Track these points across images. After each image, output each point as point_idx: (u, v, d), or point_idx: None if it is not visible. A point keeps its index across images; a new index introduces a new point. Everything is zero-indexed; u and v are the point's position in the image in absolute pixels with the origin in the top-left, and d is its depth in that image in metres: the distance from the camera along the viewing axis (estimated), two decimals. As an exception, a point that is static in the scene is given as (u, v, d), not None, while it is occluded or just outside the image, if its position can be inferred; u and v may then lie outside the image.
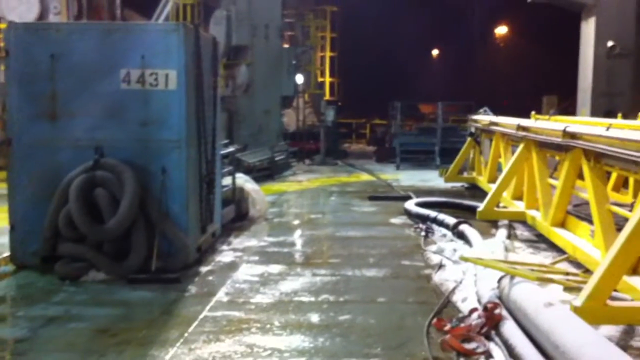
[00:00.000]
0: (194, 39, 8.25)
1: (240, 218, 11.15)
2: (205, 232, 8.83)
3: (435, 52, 49.43)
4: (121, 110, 8.02)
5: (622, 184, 10.44)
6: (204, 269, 8.16)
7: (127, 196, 7.58)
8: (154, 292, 7.16)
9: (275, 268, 8.22)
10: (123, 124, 8.01)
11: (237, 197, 11.13)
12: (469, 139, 15.81)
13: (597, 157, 7.44)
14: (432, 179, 17.44)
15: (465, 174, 16.03)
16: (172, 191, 7.98)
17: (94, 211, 7.63)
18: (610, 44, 16.76)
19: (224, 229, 10.08)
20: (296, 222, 11.64)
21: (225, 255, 8.88)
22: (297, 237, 10.35)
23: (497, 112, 15.12)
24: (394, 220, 11.56)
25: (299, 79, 23.74)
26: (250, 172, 15.35)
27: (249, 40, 21.17)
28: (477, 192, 14.28)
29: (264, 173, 17.11)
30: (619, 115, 13.09)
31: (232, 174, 11.08)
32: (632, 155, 6.21)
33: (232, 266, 8.34)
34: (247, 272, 8.05)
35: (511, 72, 40.46)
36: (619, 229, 6.47)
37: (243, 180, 11.75)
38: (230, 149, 11.82)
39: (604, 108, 16.47)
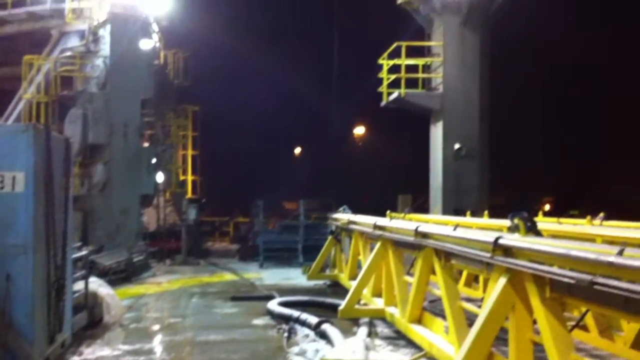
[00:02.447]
0: (44, 139, 7.95)
1: (93, 325, 10.53)
2: (54, 342, 8.23)
3: (298, 150, 50.77)
4: (-38, 213, 7.48)
5: (473, 278, 10.94)
6: (50, 384, 7.55)
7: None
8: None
9: (129, 379, 7.76)
10: (-37, 228, 7.46)
11: (89, 303, 10.54)
12: (329, 236, 16.09)
13: (446, 256, 7.77)
14: (295, 276, 17.46)
15: (327, 272, 16.19)
16: (17, 299, 7.43)
17: None
18: (457, 146, 17.93)
19: (75, 338, 9.44)
20: (154, 327, 11.14)
21: (74, 368, 8.29)
22: (155, 344, 9.88)
23: (357, 210, 15.56)
24: (256, 322, 11.36)
25: (160, 177, 23.43)
26: (106, 275, 14.69)
27: (106, 139, 20.79)
28: (339, 289, 14.41)
29: (121, 275, 16.40)
30: (468, 213, 13.90)
31: (85, 278, 10.53)
32: (476, 255, 6.54)
33: (82, 379, 7.78)
34: (99, 385, 7.53)
35: (370, 169, 42.16)
36: (471, 324, 6.71)
37: (97, 284, 11.20)
38: (84, 251, 11.28)
39: (454, 206, 17.41)
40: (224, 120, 36.24)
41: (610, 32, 35.07)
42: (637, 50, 33.75)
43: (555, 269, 5.17)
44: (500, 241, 6.06)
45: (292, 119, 40.67)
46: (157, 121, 24.66)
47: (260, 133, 40.99)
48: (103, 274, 14.37)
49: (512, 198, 30.68)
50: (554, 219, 10.62)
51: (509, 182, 33.79)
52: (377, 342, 9.57)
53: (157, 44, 24.00)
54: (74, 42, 22.01)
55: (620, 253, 4.55)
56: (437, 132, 18.57)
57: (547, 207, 35.67)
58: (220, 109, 34.51)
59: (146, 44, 21.98)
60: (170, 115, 26.50)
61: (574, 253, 4.96)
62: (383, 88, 18.76)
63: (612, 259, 4.54)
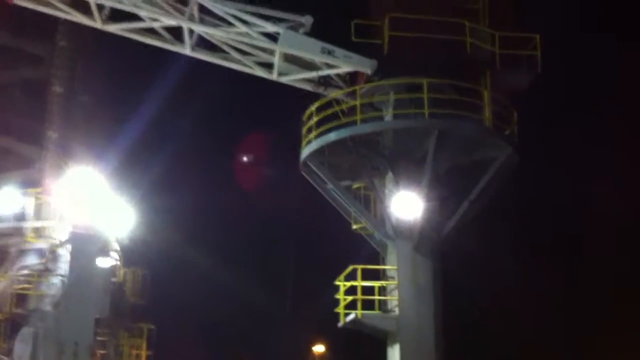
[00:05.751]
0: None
1: None
2: None
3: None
4: None
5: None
6: None
7: None
8: None
9: None
10: None
11: None
12: None
13: None
14: None
15: None
16: None
17: None
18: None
19: None
20: None
21: None
22: None
23: None
24: None
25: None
26: None
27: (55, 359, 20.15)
28: None
29: None
30: None
31: None
32: None
33: None
34: None
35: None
36: None
37: None
38: None
39: None
40: (180, 339, 35.43)
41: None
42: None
43: None
44: None
45: (249, 339, 39.96)
46: (110, 340, 24.09)
47: (219, 351, 39.93)
48: None
49: None
50: None
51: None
52: None
53: (117, 262, 24.15)
54: (32, 260, 22.10)
55: None
56: (394, 354, 18.44)
57: None
58: (176, 328, 33.88)
59: (105, 263, 22.14)
60: (123, 334, 25.91)
61: None
62: (340, 309, 18.83)
63: None
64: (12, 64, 27.07)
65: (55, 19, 23.11)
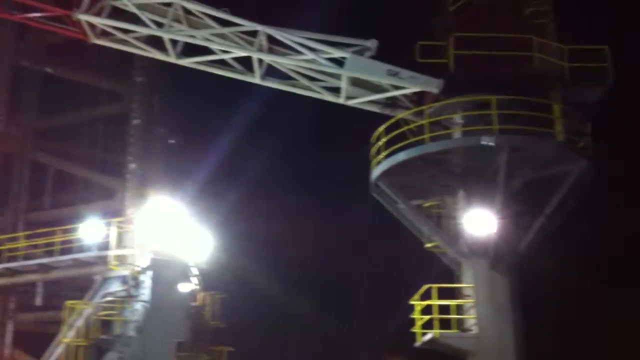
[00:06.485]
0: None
1: None
2: None
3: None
4: None
5: None
6: None
7: None
8: None
9: None
10: None
11: None
12: None
13: None
14: None
15: None
16: None
17: None
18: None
19: None
20: None
21: None
22: None
23: None
24: None
25: None
26: None
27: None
28: None
29: None
30: None
31: None
32: None
33: None
34: None
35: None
36: None
37: None
38: None
39: None
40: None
41: None
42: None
43: None
44: None
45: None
46: (191, 363, 24.63)
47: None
48: None
49: None
50: None
51: None
52: None
53: (196, 286, 24.79)
54: (115, 287, 22.93)
55: None
56: (474, 374, 18.26)
57: None
58: (254, 350, 34.27)
59: (185, 288, 22.78)
60: (204, 358, 26.45)
61: None
62: (417, 329, 18.79)
63: None
64: (93, 101, 28.53)
65: (132, 56, 24.25)
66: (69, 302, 22.42)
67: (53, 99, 29.56)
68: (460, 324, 18.89)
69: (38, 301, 24.90)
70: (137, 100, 26.69)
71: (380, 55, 19.50)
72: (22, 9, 20.60)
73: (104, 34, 20.74)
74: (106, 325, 22.60)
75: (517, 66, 18.62)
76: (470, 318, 18.49)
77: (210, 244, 24.17)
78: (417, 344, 18.89)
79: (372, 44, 19.38)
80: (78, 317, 22.39)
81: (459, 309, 18.96)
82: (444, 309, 18.54)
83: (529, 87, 18.55)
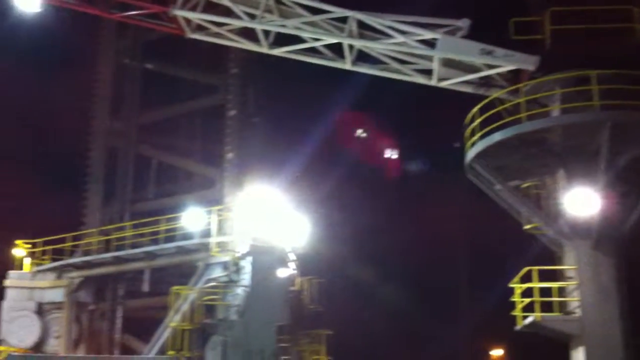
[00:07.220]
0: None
1: None
2: None
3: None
4: None
5: None
6: None
7: None
8: None
9: None
10: None
11: None
12: None
13: None
14: None
15: None
16: None
17: None
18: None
19: None
20: None
21: None
22: None
23: None
24: None
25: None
26: None
27: (244, 365, 21.41)
28: None
29: None
30: None
31: None
32: None
33: None
34: None
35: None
36: None
37: None
38: None
39: None
40: (354, 347, 36.11)
41: None
42: None
43: None
44: None
45: (424, 345, 39.80)
46: (291, 347, 25.18)
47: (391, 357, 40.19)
48: None
49: None
50: None
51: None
52: None
53: (294, 271, 25.27)
54: (217, 272, 23.69)
55: None
56: (578, 357, 17.80)
57: None
58: (349, 335, 34.59)
59: (283, 273, 23.26)
60: (304, 341, 26.97)
61: None
62: (517, 312, 18.48)
63: None
64: (191, 94, 29.51)
65: (226, 49, 24.89)
66: (175, 288, 23.31)
67: (153, 94, 30.71)
68: (562, 307, 18.47)
69: (145, 287, 26.04)
70: (232, 92, 27.39)
71: (473, 34, 19.20)
72: (121, 8, 21.54)
73: (199, 28, 21.41)
74: (209, 309, 23.34)
75: (618, 39, 17.89)
76: (574, 300, 18.03)
77: (307, 230, 24.57)
78: (518, 327, 18.60)
79: (463, 23, 19.08)
80: (183, 302, 23.27)
81: (561, 291, 18.53)
82: (545, 292, 18.17)
83: (630, 60, 17.78)
